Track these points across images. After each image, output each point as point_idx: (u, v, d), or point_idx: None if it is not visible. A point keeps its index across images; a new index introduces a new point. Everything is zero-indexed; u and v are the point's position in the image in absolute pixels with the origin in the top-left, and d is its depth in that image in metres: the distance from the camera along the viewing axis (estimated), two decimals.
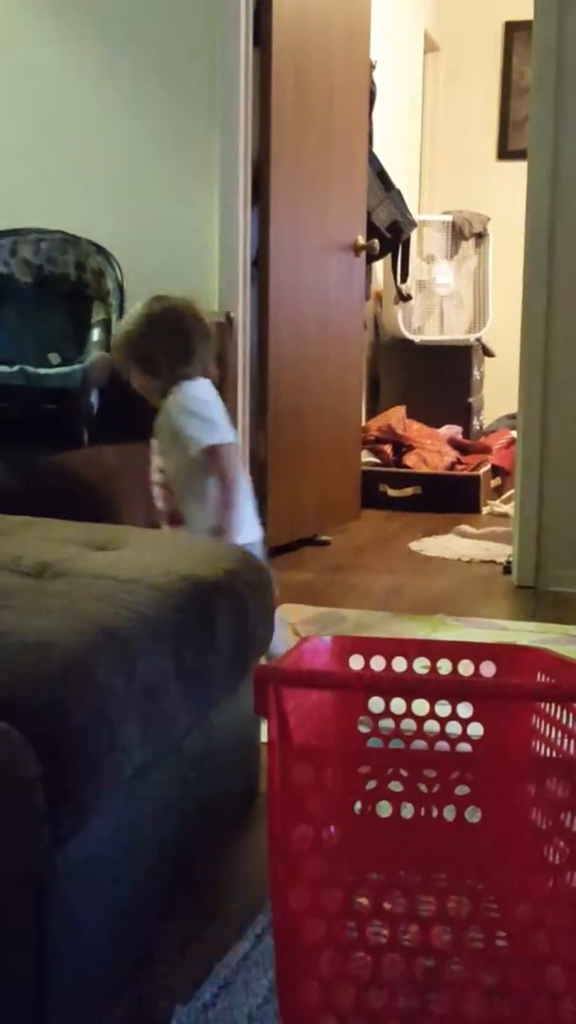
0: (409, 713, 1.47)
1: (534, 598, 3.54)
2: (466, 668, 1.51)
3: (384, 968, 1.17)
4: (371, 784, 1.22)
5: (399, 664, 1.51)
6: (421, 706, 1.47)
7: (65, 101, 3.71)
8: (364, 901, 1.22)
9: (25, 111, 3.74)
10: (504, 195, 5.89)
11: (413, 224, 5.43)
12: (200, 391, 2.51)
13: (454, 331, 6.17)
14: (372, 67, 4.83)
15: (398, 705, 1.47)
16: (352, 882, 1.24)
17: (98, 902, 1.34)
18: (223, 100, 3.58)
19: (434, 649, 1.55)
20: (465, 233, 6.15)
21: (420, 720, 1.47)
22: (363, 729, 1.48)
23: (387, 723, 1.47)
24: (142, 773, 1.38)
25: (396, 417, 5.55)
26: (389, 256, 5.47)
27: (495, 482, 5.43)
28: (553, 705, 1.34)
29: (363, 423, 5.25)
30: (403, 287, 5.65)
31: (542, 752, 1.37)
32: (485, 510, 5.11)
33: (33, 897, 1.17)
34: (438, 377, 5.95)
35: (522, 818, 1.29)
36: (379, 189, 5.05)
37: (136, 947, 1.47)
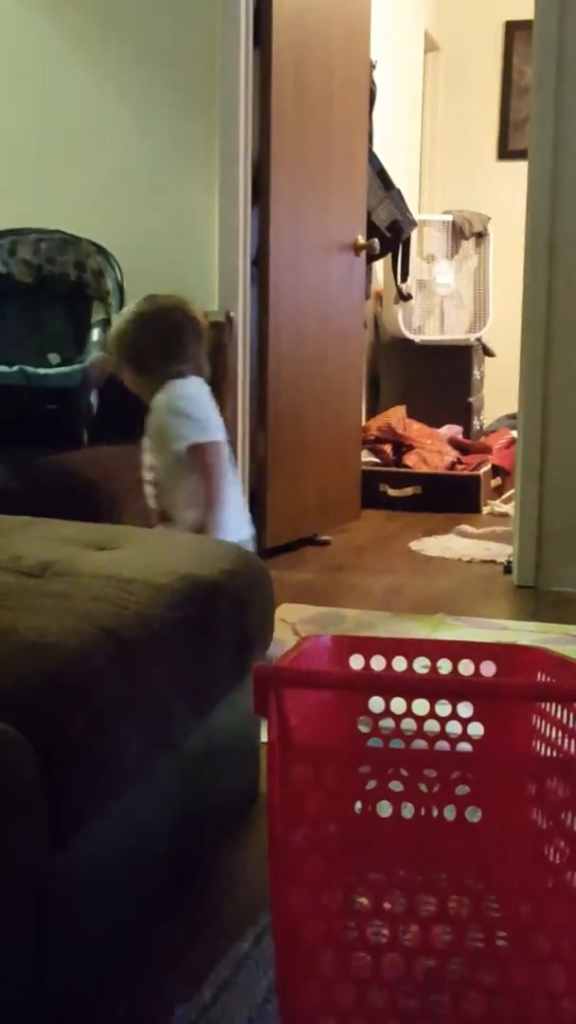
0: (409, 713, 1.47)
1: (534, 598, 3.54)
2: (466, 668, 1.51)
3: (384, 968, 1.17)
4: (371, 784, 1.22)
5: (399, 664, 1.51)
6: (421, 706, 1.47)
7: (65, 101, 3.71)
8: (364, 901, 1.22)
9: (25, 111, 3.74)
10: (504, 195, 5.89)
11: (413, 224, 5.43)
12: (188, 390, 2.52)
13: (454, 331, 6.17)
14: (372, 67, 4.83)
15: (398, 705, 1.47)
16: (352, 882, 1.24)
17: (98, 902, 1.34)
18: (223, 100, 3.58)
19: (434, 649, 1.55)
20: (465, 233, 6.14)
21: (420, 720, 1.47)
22: (363, 729, 1.47)
23: (387, 723, 1.47)
24: (142, 773, 1.38)
25: (396, 417, 5.55)
26: (389, 256, 5.47)
27: (495, 482, 5.43)
28: (553, 705, 1.34)
29: (363, 423, 5.25)
30: (403, 287, 5.65)
31: (542, 752, 1.37)
32: (485, 510, 5.11)
33: (33, 897, 1.17)
34: (438, 377, 5.95)
35: (522, 818, 1.29)
36: (379, 189, 5.05)
37: (136, 947, 1.47)
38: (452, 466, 5.35)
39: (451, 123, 6.97)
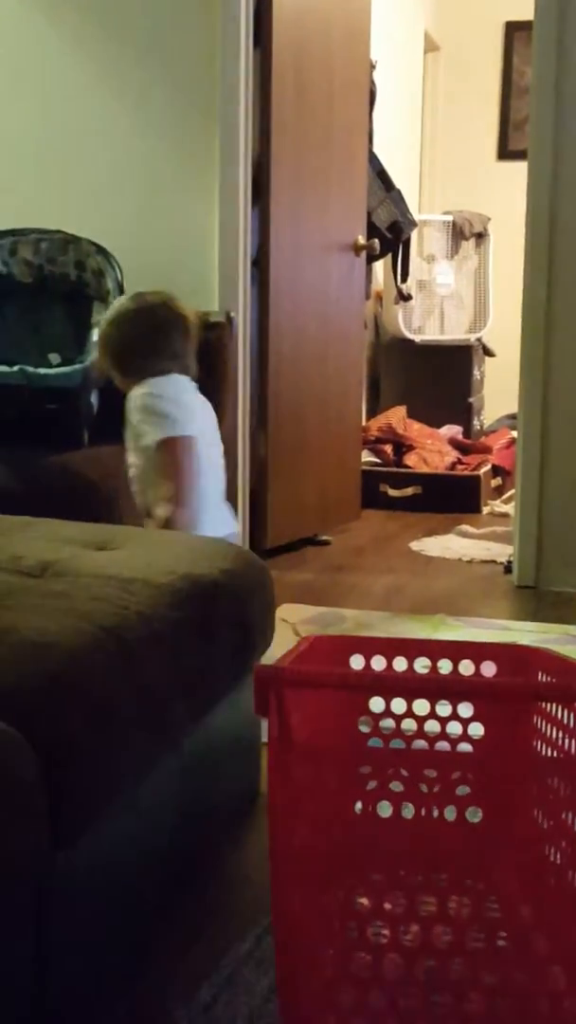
0: (410, 713, 1.47)
1: (535, 598, 3.54)
2: (467, 668, 1.51)
3: (385, 968, 1.17)
4: (372, 784, 1.22)
5: (400, 664, 1.51)
6: (422, 706, 1.46)
7: (65, 101, 3.71)
8: (365, 901, 1.22)
9: (25, 111, 3.74)
10: (504, 195, 5.89)
11: (413, 224, 5.43)
12: (162, 387, 2.53)
13: (454, 331, 6.17)
14: (372, 67, 4.83)
15: (399, 705, 1.47)
16: (353, 882, 1.24)
17: (99, 902, 1.34)
18: (223, 100, 3.58)
19: (435, 649, 1.55)
20: (465, 233, 6.14)
21: (421, 720, 1.47)
22: (364, 729, 1.47)
23: (388, 723, 1.47)
24: (142, 773, 1.38)
25: (396, 417, 5.55)
26: (389, 256, 5.47)
27: (495, 482, 5.43)
28: (554, 705, 1.34)
29: (363, 423, 5.25)
30: (403, 287, 5.65)
31: (543, 752, 1.37)
32: (486, 510, 5.11)
33: (33, 897, 1.17)
34: (438, 377, 5.95)
35: (523, 818, 1.29)
36: (379, 189, 5.05)
37: (136, 946, 1.47)
38: (452, 466, 5.35)
39: (451, 123, 6.97)
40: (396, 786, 1.21)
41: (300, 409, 4.15)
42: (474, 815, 1.33)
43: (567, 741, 1.30)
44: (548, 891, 1.25)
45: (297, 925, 1.19)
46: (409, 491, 5.15)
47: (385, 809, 1.28)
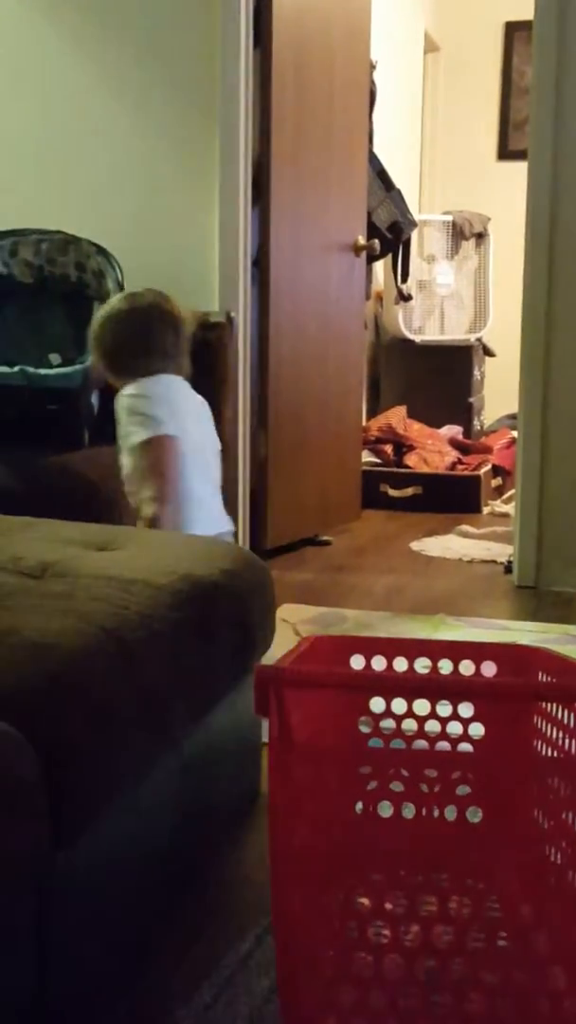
0: (410, 713, 1.47)
1: (535, 598, 3.54)
2: (467, 668, 1.51)
3: (385, 968, 1.17)
4: (372, 784, 1.22)
5: (400, 664, 1.51)
6: (422, 706, 1.46)
7: (65, 101, 3.71)
8: (365, 901, 1.22)
9: (25, 112, 3.74)
10: (504, 195, 5.89)
11: (413, 224, 5.43)
12: (147, 388, 2.54)
13: (455, 331, 6.17)
14: (372, 67, 4.83)
15: (399, 705, 1.47)
16: (353, 882, 1.24)
17: (99, 902, 1.34)
18: (223, 100, 3.58)
19: (435, 649, 1.55)
20: (466, 233, 6.14)
21: (421, 720, 1.47)
22: (364, 729, 1.47)
23: (388, 723, 1.47)
24: (142, 773, 1.38)
25: (397, 417, 5.55)
26: (390, 256, 5.47)
27: (496, 482, 5.43)
28: (554, 705, 1.34)
29: (364, 423, 5.25)
30: (404, 287, 5.65)
31: (544, 752, 1.37)
32: (486, 510, 5.11)
33: (33, 897, 1.17)
34: (439, 377, 5.95)
35: (524, 818, 1.29)
36: (379, 189, 5.05)
37: (137, 947, 1.47)
38: (453, 466, 5.35)
39: (451, 123, 6.97)
40: (396, 786, 1.21)
41: (300, 409, 4.15)
42: (474, 815, 1.33)
43: (567, 741, 1.30)
44: (548, 891, 1.25)
45: (297, 925, 1.19)
46: (409, 491, 5.15)
47: (386, 809, 1.28)
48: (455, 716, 1.46)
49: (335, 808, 1.26)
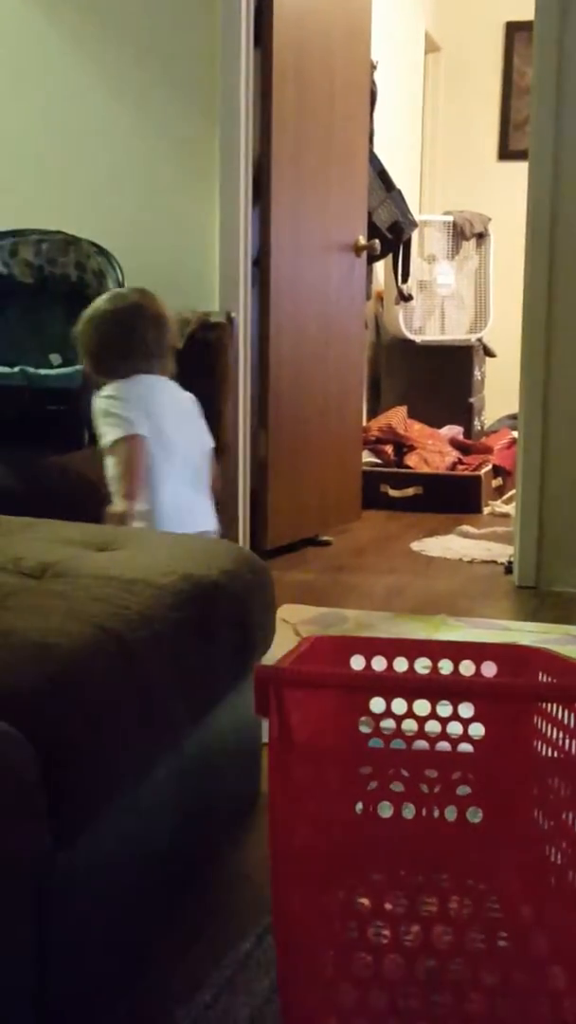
0: (410, 713, 1.47)
1: (535, 598, 3.54)
2: (468, 668, 1.51)
3: (386, 968, 1.17)
4: (372, 784, 1.22)
5: (400, 664, 1.51)
6: (423, 706, 1.46)
7: (65, 101, 3.71)
8: (365, 901, 1.22)
9: (25, 112, 3.74)
10: (505, 195, 5.89)
11: (414, 224, 5.43)
12: (120, 389, 2.57)
13: (455, 331, 6.17)
14: (373, 67, 4.83)
15: (399, 705, 1.47)
16: (353, 882, 1.24)
17: (99, 902, 1.34)
18: (224, 100, 3.58)
19: (435, 649, 1.55)
20: (466, 233, 6.14)
21: (421, 720, 1.47)
22: (364, 729, 1.47)
23: (388, 723, 1.47)
24: (142, 773, 1.38)
25: (397, 417, 5.55)
26: (390, 256, 5.47)
27: (496, 482, 5.43)
28: (555, 705, 1.34)
29: (364, 423, 5.25)
30: (404, 287, 5.65)
31: (544, 752, 1.37)
32: (486, 510, 5.11)
33: (34, 897, 1.17)
34: (439, 377, 5.95)
35: (524, 818, 1.29)
36: (380, 189, 5.05)
37: (137, 947, 1.47)
38: (453, 466, 5.35)
39: (452, 124, 6.97)
40: (397, 786, 1.21)
41: (301, 409, 4.15)
42: (475, 815, 1.33)
43: (567, 741, 1.30)
44: (549, 891, 1.25)
45: (298, 925, 1.19)
46: (410, 491, 5.14)
47: (386, 809, 1.28)
48: (455, 716, 1.46)
49: (335, 808, 1.26)
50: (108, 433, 2.52)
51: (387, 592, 3.58)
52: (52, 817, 1.13)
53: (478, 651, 1.53)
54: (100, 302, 2.70)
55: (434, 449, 5.39)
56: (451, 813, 1.31)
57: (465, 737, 1.47)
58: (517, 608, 3.43)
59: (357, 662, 1.52)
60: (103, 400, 2.56)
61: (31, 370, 3.00)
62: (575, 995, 1.15)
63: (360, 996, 1.18)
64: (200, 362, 3.23)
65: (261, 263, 3.86)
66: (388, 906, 1.19)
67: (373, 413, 5.84)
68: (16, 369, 3.00)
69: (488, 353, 6.19)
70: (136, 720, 1.33)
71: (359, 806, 1.29)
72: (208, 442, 2.73)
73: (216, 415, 3.25)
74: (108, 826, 1.30)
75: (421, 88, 6.65)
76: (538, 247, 3.56)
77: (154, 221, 3.66)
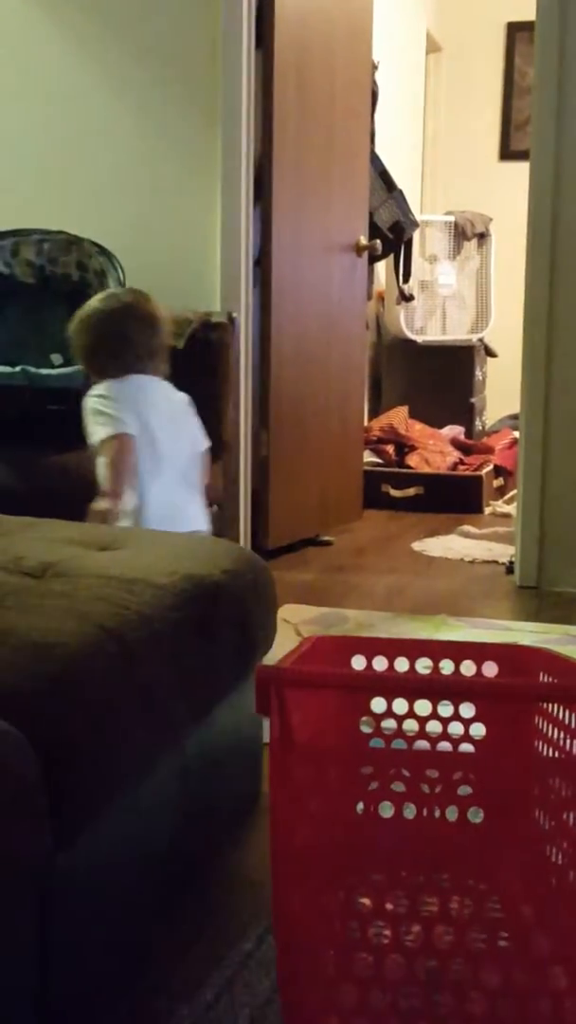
0: (411, 713, 1.47)
1: (536, 598, 3.54)
2: (468, 668, 1.51)
3: (386, 968, 1.17)
4: (373, 785, 1.22)
5: (401, 664, 1.51)
6: (424, 706, 1.47)
7: (67, 102, 3.71)
8: (366, 901, 1.22)
9: (27, 112, 3.74)
10: (506, 195, 5.89)
11: (415, 224, 5.43)
12: (110, 389, 2.58)
13: (456, 331, 6.17)
14: (374, 67, 4.83)
15: (400, 705, 1.47)
16: (354, 882, 1.24)
17: (100, 902, 1.34)
18: (225, 100, 3.58)
19: (436, 649, 1.55)
20: (467, 233, 6.14)
21: (422, 720, 1.47)
22: (365, 729, 1.47)
23: (389, 723, 1.47)
24: (143, 773, 1.38)
25: (398, 417, 5.55)
26: (391, 256, 5.47)
27: (497, 482, 5.42)
28: (556, 705, 1.34)
29: (365, 423, 5.25)
30: (405, 287, 5.65)
31: (545, 753, 1.37)
32: (487, 510, 5.10)
33: (34, 897, 1.17)
34: (440, 377, 5.94)
35: (525, 818, 1.29)
36: (381, 189, 5.05)
37: (138, 947, 1.47)
38: (454, 466, 5.34)
39: (453, 124, 6.97)
40: (398, 786, 1.21)
41: (302, 409, 4.15)
42: (476, 815, 1.33)
43: (568, 741, 1.30)
44: (550, 891, 1.25)
45: (298, 925, 1.19)
46: (411, 491, 5.14)
47: (387, 809, 1.28)
48: (456, 716, 1.46)
49: (336, 808, 1.26)
50: (96, 432, 2.52)
51: (388, 592, 3.58)
52: (53, 817, 1.13)
53: (479, 651, 1.53)
54: (93, 302, 2.70)
55: (435, 449, 5.38)
56: (452, 813, 1.31)
57: (466, 737, 1.47)
58: (518, 608, 3.43)
59: (358, 662, 1.52)
60: (93, 399, 2.56)
61: (32, 370, 3.00)
62: None
63: (361, 996, 1.18)
64: (201, 362, 3.23)
65: (262, 263, 3.86)
66: (389, 906, 1.19)
67: (374, 413, 5.84)
68: (17, 369, 3.00)
69: (489, 353, 6.19)
70: (137, 720, 1.33)
71: (360, 806, 1.29)
72: (201, 443, 2.73)
73: (217, 415, 3.26)
74: (109, 826, 1.30)
75: (422, 88, 6.65)
76: (539, 247, 3.56)
77: (156, 221, 3.66)
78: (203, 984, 1.38)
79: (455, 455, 5.42)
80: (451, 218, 6.15)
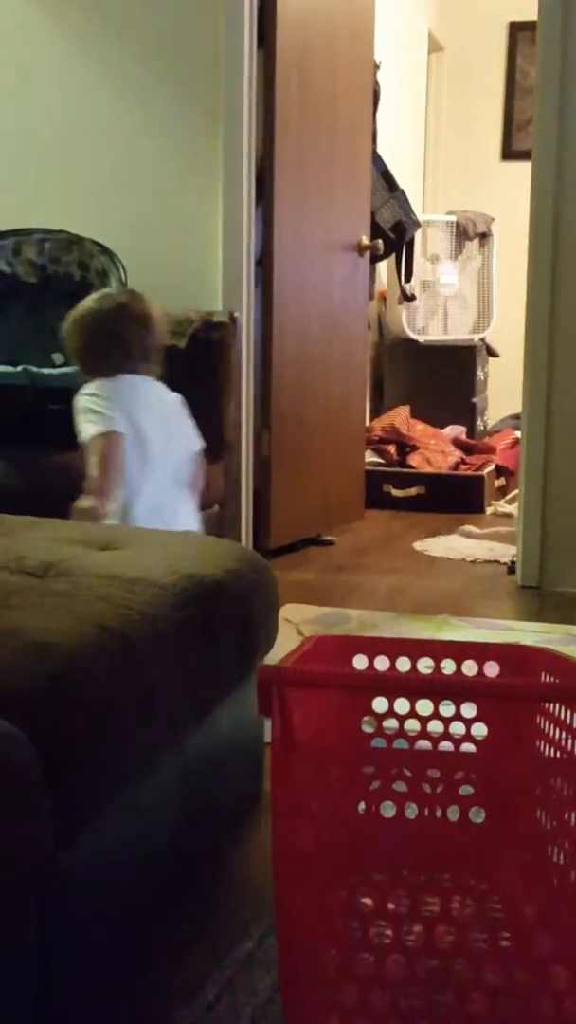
0: (413, 713, 1.47)
1: (538, 598, 3.54)
2: (470, 668, 1.51)
3: (388, 968, 1.17)
4: (375, 784, 1.22)
5: (403, 664, 1.51)
6: (425, 706, 1.47)
7: (69, 101, 3.71)
8: (368, 901, 1.22)
9: (29, 111, 3.74)
10: (508, 195, 5.88)
11: (417, 224, 5.43)
12: (101, 387, 2.57)
13: (458, 331, 6.17)
14: (376, 67, 4.83)
15: (402, 705, 1.47)
16: (356, 882, 1.24)
17: (100, 902, 1.34)
18: (227, 100, 3.58)
19: (438, 649, 1.55)
20: (469, 233, 6.14)
21: (424, 720, 1.47)
22: (367, 729, 1.47)
23: (391, 723, 1.47)
24: (145, 772, 1.38)
25: (400, 417, 5.55)
26: (393, 256, 5.47)
27: (499, 482, 5.42)
28: (557, 705, 1.34)
29: (367, 423, 5.25)
30: (407, 287, 5.65)
31: (546, 752, 1.37)
32: (489, 510, 5.10)
33: (35, 897, 1.17)
34: (442, 377, 5.94)
35: (526, 818, 1.29)
36: (383, 189, 5.05)
37: (138, 947, 1.47)
38: (456, 466, 5.34)
39: (455, 123, 6.97)
40: (399, 786, 1.21)
41: (303, 409, 4.15)
42: (477, 815, 1.33)
43: (570, 741, 1.30)
44: (551, 891, 1.25)
45: (300, 925, 1.19)
46: (413, 491, 5.14)
47: (388, 809, 1.28)
48: (458, 716, 1.47)
49: (338, 808, 1.26)
50: (86, 429, 2.52)
51: (390, 592, 3.58)
52: (53, 817, 1.13)
53: (481, 651, 1.53)
54: (87, 301, 2.70)
55: (437, 449, 5.38)
56: (453, 813, 1.31)
57: (468, 737, 1.47)
58: (520, 608, 3.43)
59: (360, 662, 1.52)
60: (84, 397, 2.56)
61: (34, 369, 3.00)
62: None
63: (362, 996, 1.18)
64: (203, 362, 3.23)
65: (264, 263, 3.86)
66: (390, 906, 1.19)
67: (376, 413, 5.83)
68: (19, 368, 3.00)
69: (491, 353, 6.19)
70: (138, 720, 1.33)
71: (361, 806, 1.29)
72: (194, 444, 2.71)
73: (219, 414, 3.26)
74: (110, 826, 1.30)
75: (424, 88, 6.65)
76: (541, 247, 3.56)
77: (157, 221, 3.66)
78: (204, 984, 1.39)
79: (457, 455, 5.42)
80: (453, 218, 6.15)
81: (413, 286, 5.73)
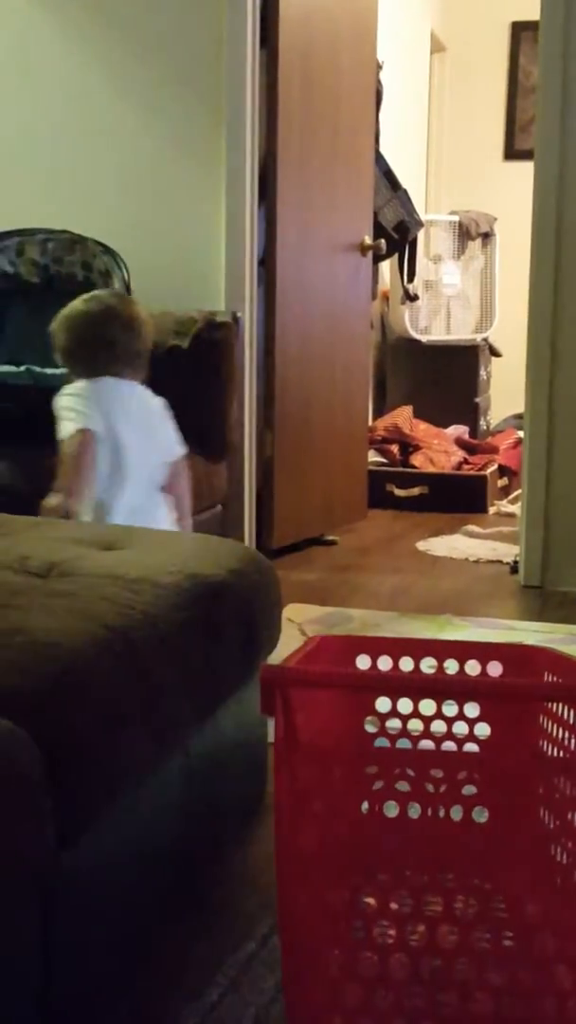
0: (416, 713, 1.47)
1: (541, 598, 3.53)
2: (473, 668, 1.51)
3: (391, 968, 1.17)
4: (378, 784, 1.22)
5: (406, 664, 1.51)
6: (428, 706, 1.46)
7: (71, 101, 3.71)
8: (371, 901, 1.22)
9: (31, 111, 3.75)
10: (511, 195, 5.88)
11: (420, 224, 5.43)
12: (82, 387, 2.58)
13: (461, 331, 6.17)
14: (379, 67, 4.83)
15: (405, 705, 1.47)
16: (359, 882, 1.24)
17: (104, 901, 1.34)
18: (230, 100, 3.58)
19: (441, 649, 1.55)
20: (472, 233, 6.14)
21: (427, 720, 1.47)
22: (370, 729, 1.47)
23: (394, 723, 1.47)
24: (148, 772, 1.38)
25: (403, 417, 5.54)
26: (396, 256, 5.46)
27: (502, 482, 5.42)
28: (560, 705, 1.34)
29: (370, 423, 5.25)
30: (410, 287, 5.65)
31: (549, 752, 1.37)
32: (492, 510, 5.10)
33: (38, 897, 1.17)
34: (445, 377, 5.94)
35: (529, 818, 1.29)
36: (386, 189, 5.05)
37: (141, 946, 1.47)
38: (459, 466, 5.34)
39: (457, 123, 6.96)
40: (402, 786, 1.21)
41: (306, 409, 4.15)
42: (480, 815, 1.33)
43: (573, 741, 1.30)
44: (554, 891, 1.25)
45: (303, 925, 1.19)
46: (415, 491, 5.14)
47: (391, 809, 1.28)
48: (461, 716, 1.46)
49: (341, 808, 1.26)
50: (61, 428, 2.51)
51: (392, 592, 3.58)
52: (56, 817, 1.13)
53: (483, 651, 1.53)
54: (76, 303, 2.70)
55: (440, 449, 5.38)
56: (457, 813, 1.31)
57: (471, 737, 1.47)
58: (523, 608, 3.43)
59: (363, 662, 1.52)
60: (64, 396, 2.56)
61: (37, 369, 3.00)
62: None
63: (365, 996, 1.18)
64: (206, 362, 3.23)
65: (267, 263, 3.86)
66: (393, 906, 1.19)
67: (379, 413, 5.83)
68: (22, 368, 3.00)
69: (494, 353, 6.19)
70: (141, 720, 1.33)
71: (365, 806, 1.29)
72: (175, 449, 2.67)
73: (222, 414, 3.26)
74: (112, 826, 1.30)
75: (427, 88, 6.65)
76: (544, 247, 3.56)
77: (160, 220, 3.66)
78: (207, 984, 1.39)
79: (459, 455, 5.42)
80: (455, 218, 6.15)
81: (416, 286, 5.73)
